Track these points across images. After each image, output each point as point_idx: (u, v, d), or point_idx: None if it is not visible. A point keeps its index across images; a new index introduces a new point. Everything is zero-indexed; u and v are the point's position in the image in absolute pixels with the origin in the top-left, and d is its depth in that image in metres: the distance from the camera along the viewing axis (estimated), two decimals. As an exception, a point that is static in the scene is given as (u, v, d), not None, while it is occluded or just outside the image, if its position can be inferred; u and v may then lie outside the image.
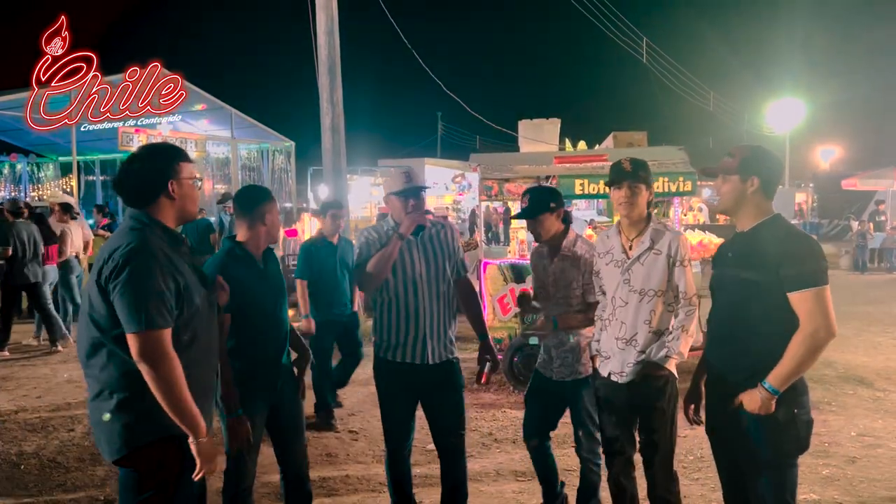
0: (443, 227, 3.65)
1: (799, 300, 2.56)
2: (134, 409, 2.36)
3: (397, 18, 11.69)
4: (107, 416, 2.35)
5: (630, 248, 3.26)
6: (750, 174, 2.72)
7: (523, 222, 4.02)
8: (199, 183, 2.61)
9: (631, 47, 29.31)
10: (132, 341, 2.29)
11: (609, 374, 3.30)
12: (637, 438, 3.38)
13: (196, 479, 2.39)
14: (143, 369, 2.30)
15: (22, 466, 4.79)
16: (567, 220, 3.66)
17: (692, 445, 4.85)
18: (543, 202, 3.58)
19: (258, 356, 3.16)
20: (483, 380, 3.73)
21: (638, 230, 3.25)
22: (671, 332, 3.18)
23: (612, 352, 3.29)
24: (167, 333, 2.33)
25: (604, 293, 3.40)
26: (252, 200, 3.24)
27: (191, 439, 2.36)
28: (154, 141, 24.98)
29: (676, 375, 3.25)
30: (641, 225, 3.25)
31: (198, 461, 2.38)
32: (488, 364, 3.69)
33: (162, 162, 2.48)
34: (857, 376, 6.88)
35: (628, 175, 3.21)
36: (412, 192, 3.46)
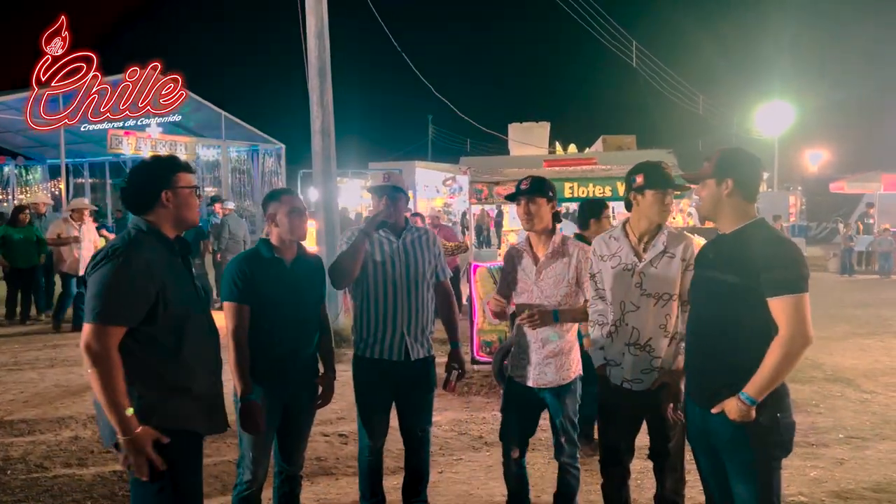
0: (425, 233, 3.76)
1: (779, 306, 2.51)
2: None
3: (387, 21, 11.70)
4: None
5: (644, 250, 3.22)
6: (724, 177, 2.69)
7: (514, 225, 3.99)
8: (197, 191, 2.76)
9: (620, 51, 29.45)
10: (84, 329, 2.43)
11: (622, 382, 3.23)
12: (636, 445, 3.37)
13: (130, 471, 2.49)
14: (85, 359, 2.42)
15: (9, 472, 4.75)
16: (557, 220, 3.62)
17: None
18: (543, 187, 3.52)
19: (268, 353, 3.22)
20: (450, 388, 3.73)
21: (651, 234, 3.22)
22: (681, 339, 3.14)
23: (623, 359, 3.22)
24: (115, 331, 2.43)
25: (601, 297, 3.34)
26: (264, 203, 3.38)
27: (118, 435, 2.43)
28: (144, 143, 24.92)
29: None
30: (655, 229, 3.22)
31: (122, 458, 2.47)
32: (455, 372, 3.71)
33: (156, 173, 2.66)
34: (845, 378, 6.92)
35: (670, 182, 3.19)
36: (384, 191, 3.60)
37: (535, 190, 3.51)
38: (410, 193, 22.01)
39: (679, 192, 3.29)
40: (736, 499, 2.70)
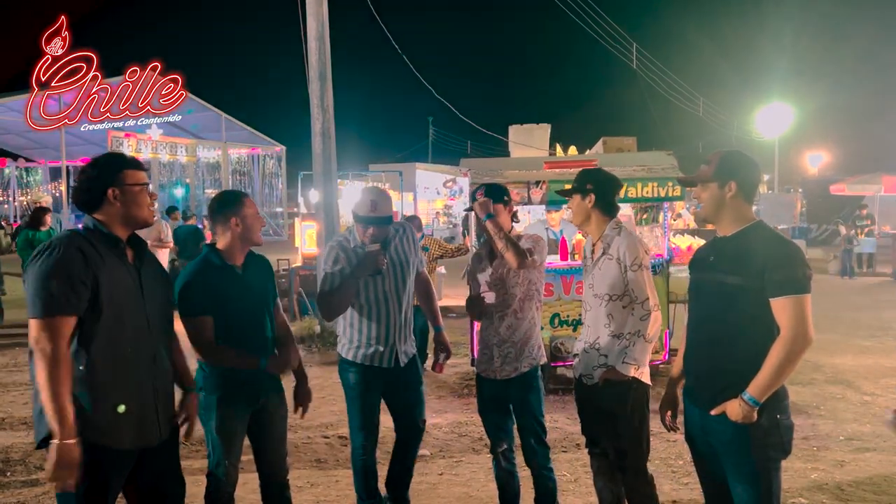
0: (403, 230, 3.77)
1: (781, 306, 2.53)
2: (39, 404, 2.39)
3: (388, 24, 11.71)
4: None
5: (593, 252, 3.36)
6: (727, 180, 2.70)
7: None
8: (148, 188, 2.66)
9: (621, 53, 29.47)
10: (31, 326, 2.35)
11: (580, 375, 3.37)
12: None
13: (45, 481, 2.36)
14: (35, 355, 2.33)
15: (8, 473, 4.75)
16: (514, 219, 3.70)
17: (682, 450, 4.86)
18: (498, 195, 3.61)
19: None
20: (438, 369, 3.88)
21: (598, 235, 3.34)
22: (628, 339, 3.20)
23: (580, 355, 3.38)
24: (65, 322, 2.34)
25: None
26: (216, 207, 3.23)
27: (53, 439, 2.31)
28: (144, 144, 24.93)
29: (647, 382, 3.26)
30: (599, 230, 3.33)
31: (50, 463, 2.31)
32: (442, 355, 3.83)
33: (102, 171, 2.58)
34: (846, 380, 6.92)
35: (566, 189, 3.38)
36: (372, 222, 3.55)
37: (494, 201, 3.56)
38: (410, 195, 22.04)
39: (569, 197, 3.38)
40: (736, 501, 2.69)
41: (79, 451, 2.32)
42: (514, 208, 3.72)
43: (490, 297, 3.63)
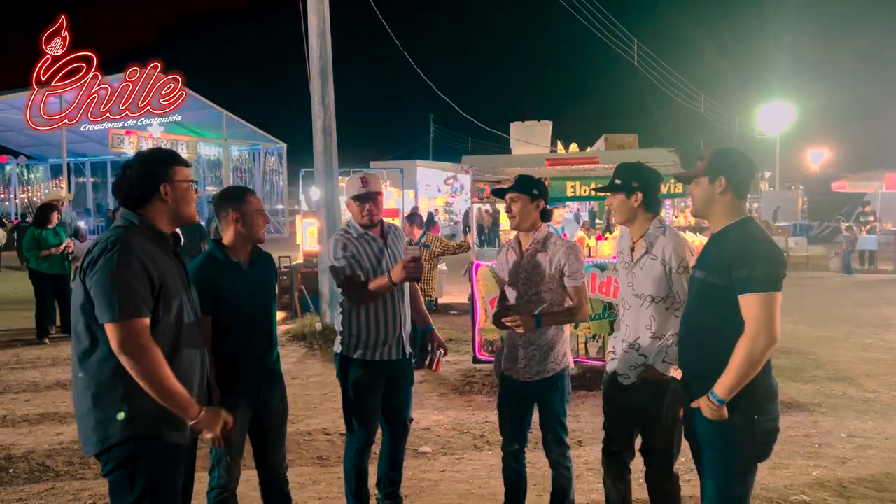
0: (394, 227, 3.83)
1: (746, 304, 2.52)
2: (108, 406, 2.40)
3: (389, 21, 11.69)
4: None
5: (633, 250, 3.26)
6: (717, 175, 2.70)
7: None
8: (195, 186, 2.69)
9: (622, 50, 29.44)
10: (109, 332, 2.34)
11: (614, 372, 3.31)
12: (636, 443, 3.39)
13: (213, 445, 2.62)
14: (124, 360, 2.33)
15: (11, 470, 4.75)
16: (545, 217, 3.59)
17: (684, 447, 4.85)
18: (527, 185, 3.51)
19: (240, 359, 3.13)
20: (436, 367, 3.87)
21: (640, 233, 3.24)
22: (670, 339, 3.14)
23: (618, 353, 3.31)
24: (143, 323, 2.37)
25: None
26: (222, 202, 3.20)
27: (189, 421, 2.46)
28: (145, 142, 24.94)
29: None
30: (643, 228, 3.23)
31: (206, 434, 2.55)
32: (439, 351, 3.85)
33: (153, 166, 2.55)
34: (847, 378, 6.91)
35: (608, 185, 3.30)
36: (368, 198, 3.61)
37: (518, 188, 3.52)
38: (412, 192, 22.05)
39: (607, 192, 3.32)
40: (702, 493, 2.75)
41: (217, 416, 2.55)
42: (545, 205, 3.55)
43: (520, 295, 3.52)
